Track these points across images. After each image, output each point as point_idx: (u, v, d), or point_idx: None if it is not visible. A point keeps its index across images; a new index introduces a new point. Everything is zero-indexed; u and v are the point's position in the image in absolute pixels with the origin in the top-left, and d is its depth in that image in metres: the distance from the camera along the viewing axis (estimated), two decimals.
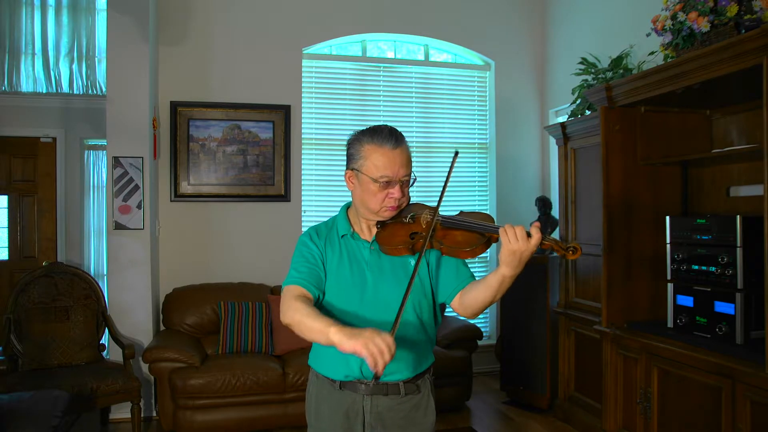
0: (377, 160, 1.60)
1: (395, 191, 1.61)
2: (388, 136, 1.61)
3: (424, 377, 1.76)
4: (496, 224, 1.55)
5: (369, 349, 1.32)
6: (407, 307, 1.66)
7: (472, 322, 4.82)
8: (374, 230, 1.71)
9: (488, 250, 1.61)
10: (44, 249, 4.99)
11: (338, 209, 1.82)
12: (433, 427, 1.77)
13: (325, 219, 1.83)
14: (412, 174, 1.65)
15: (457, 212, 1.66)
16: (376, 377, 1.36)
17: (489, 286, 1.56)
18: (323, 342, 1.46)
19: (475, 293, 1.61)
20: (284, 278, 1.69)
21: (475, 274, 1.74)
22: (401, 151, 1.61)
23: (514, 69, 5.33)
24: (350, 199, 1.77)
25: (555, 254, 1.51)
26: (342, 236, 1.73)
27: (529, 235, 1.45)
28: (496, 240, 1.52)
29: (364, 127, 1.69)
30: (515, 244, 1.43)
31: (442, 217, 1.61)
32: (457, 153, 1.65)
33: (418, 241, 1.57)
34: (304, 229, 4.77)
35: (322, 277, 1.68)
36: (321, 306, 1.70)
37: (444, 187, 1.60)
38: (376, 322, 1.64)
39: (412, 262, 1.69)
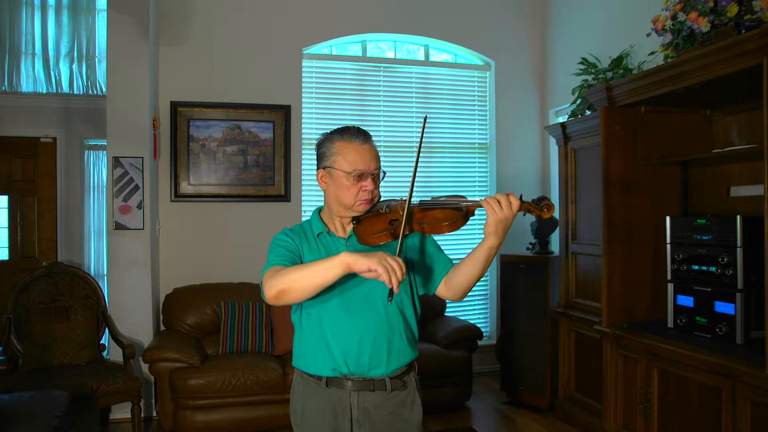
0: (348, 155, 1.68)
1: (368, 183, 1.69)
2: (356, 132, 1.71)
3: (409, 374, 1.79)
4: (471, 199, 1.64)
5: (383, 265, 1.40)
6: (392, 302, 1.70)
7: (472, 321, 4.82)
8: (349, 228, 1.76)
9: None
10: (44, 249, 4.99)
11: None
12: (420, 424, 1.79)
13: None
14: (382, 169, 1.73)
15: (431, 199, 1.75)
16: (391, 294, 1.44)
17: (476, 261, 1.66)
18: (329, 276, 1.46)
19: (463, 271, 1.70)
20: None
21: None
22: (370, 147, 1.71)
23: (514, 69, 5.33)
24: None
25: (531, 215, 1.61)
26: (318, 234, 1.76)
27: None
28: (473, 213, 1.65)
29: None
30: (500, 213, 1.56)
31: (419, 201, 1.69)
32: (426, 117, 1.72)
33: (398, 227, 1.63)
34: None
35: (299, 264, 1.68)
36: (303, 307, 1.72)
37: (414, 176, 1.65)
38: (358, 317, 1.68)
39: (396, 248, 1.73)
